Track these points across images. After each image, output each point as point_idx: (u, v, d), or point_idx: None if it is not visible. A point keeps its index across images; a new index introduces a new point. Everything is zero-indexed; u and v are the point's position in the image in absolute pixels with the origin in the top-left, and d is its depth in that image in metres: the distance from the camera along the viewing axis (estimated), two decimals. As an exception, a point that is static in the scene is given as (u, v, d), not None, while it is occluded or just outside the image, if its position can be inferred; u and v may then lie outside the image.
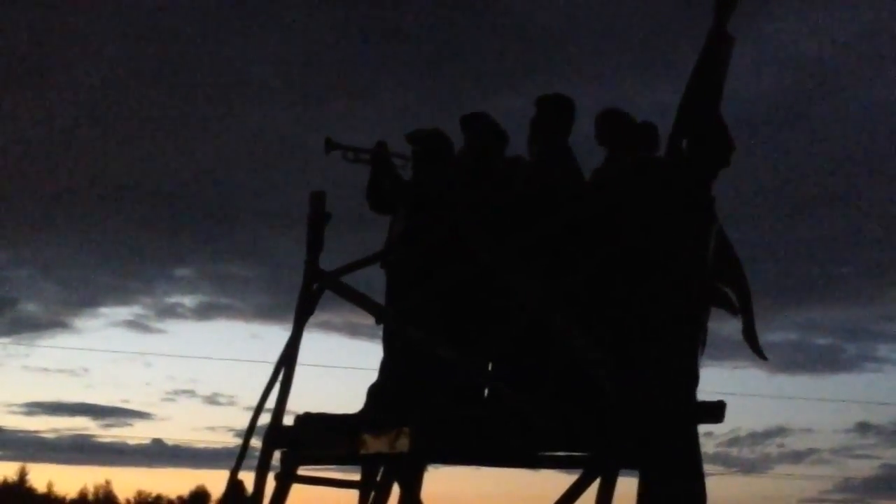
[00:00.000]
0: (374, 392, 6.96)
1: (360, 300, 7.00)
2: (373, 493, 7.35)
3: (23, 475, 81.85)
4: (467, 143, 7.06)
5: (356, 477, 7.45)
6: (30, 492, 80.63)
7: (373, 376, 7.09)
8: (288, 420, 7.05)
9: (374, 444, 6.45)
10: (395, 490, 7.34)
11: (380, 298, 7.11)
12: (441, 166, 7.05)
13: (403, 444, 6.27)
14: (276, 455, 6.97)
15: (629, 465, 5.79)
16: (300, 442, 6.90)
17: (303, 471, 6.99)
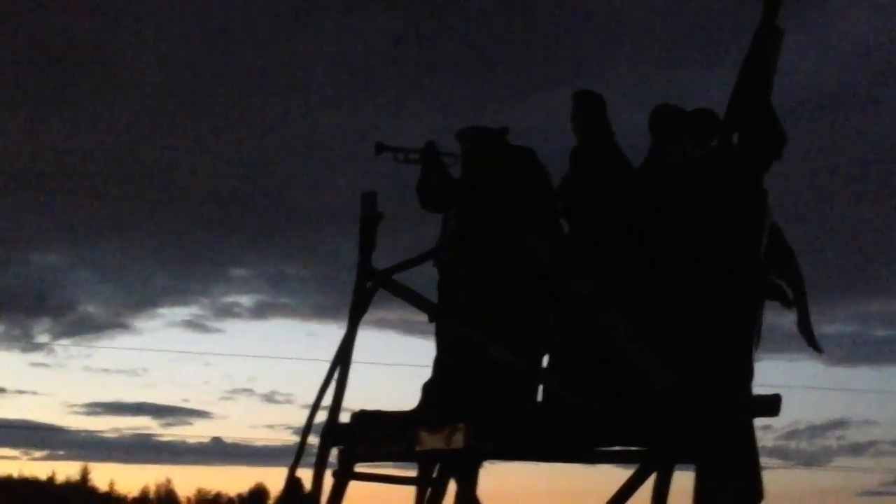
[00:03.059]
0: (428, 389, 6.99)
1: (413, 298, 7.04)
2: (429, 490, 7.39)
3: (85, 475, 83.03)
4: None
5: (413, 473, 7.49)
6: (92, 491, 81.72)
7: (427, 373, 7.13)
8: (344, 418, 7.11)
9: (430, 441, 6.48)
10: (452, 486, 7.37)
11: (433, 296, 7.15)
12: (490, 163, 7.07)
13: (459, 440, 6.30)
14: (334, 452, 7.04)
15: (685, 459, 5.78)
16: (356, 439, 6.96)
17: (360, 468, 7.04)
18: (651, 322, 5.88)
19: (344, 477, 6.95)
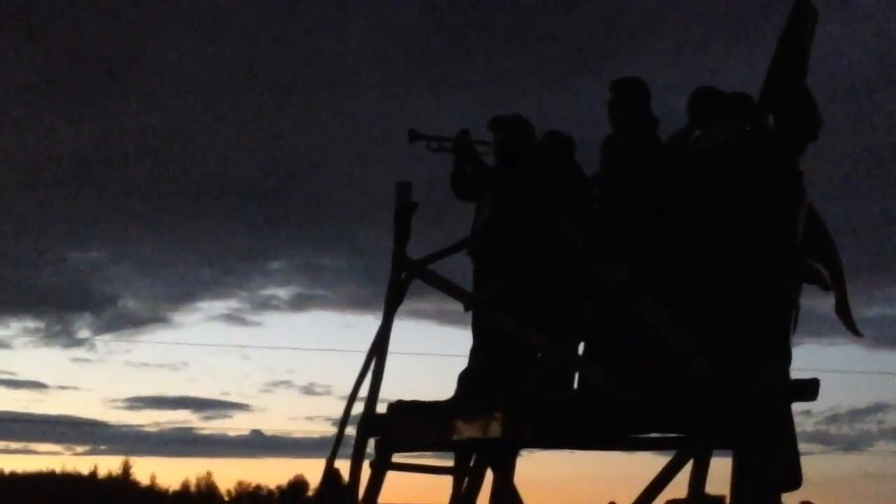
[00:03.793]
0: (465, 378, 6.99)
1: (448, 287, 7.04)
2: (466, 479, 7.39)
3: (127, 468, 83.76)
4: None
5: (450, 463, 7.49)
6: (134, 485, 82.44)
7: (464, 363, 7.12)
8: (381, 409, 7.12)
9: (467, 431, 6.48)
10: (489, 475, 7.36)
11: (468, 285, 7.14)
12: (523, 152, 7.06)
13: (496, 429, 6.29)
14: (371, 443, 7.05)
15: (723, 445, 5.74)
16: (393, 430, 6.96)
17: (397, 458, 7.05)
18: (686, 308, 5.84)
19: (381, 467, 6.96)
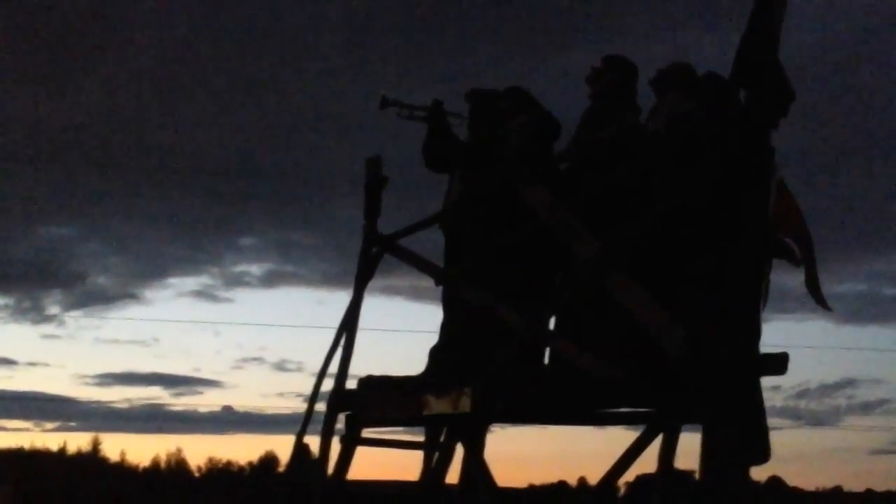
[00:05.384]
0: (435, 353, 6.97)
1: (419, 263, 7.01)
2: (436, 454, 7.38)
3: (96, 445, 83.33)
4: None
5: (420, 438, 7.48)
6: (103, 461, 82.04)
7: (435, 338, 7.10)
8: (351, 384, 7.10)
9: (437, 406, 6.46)
10: (459, 450, 7.35)
11: (441, 261, 7.11)
12: (497, 124, 7.02)
13: (466, 404, 6.28)
14: (341, 419, 7.03)
15: (692, 420, 5.76)
16: (363, 405, 6.94)
17: (367, 433, 7.03)
18: (656, 282, 5.85)
19: (351, 442, 6.94)
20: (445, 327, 7.00)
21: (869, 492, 64.84)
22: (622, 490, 45.86)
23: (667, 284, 5.86)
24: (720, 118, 5.78)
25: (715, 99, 6.11)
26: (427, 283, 7.11)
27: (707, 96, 6.11)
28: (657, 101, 6.47)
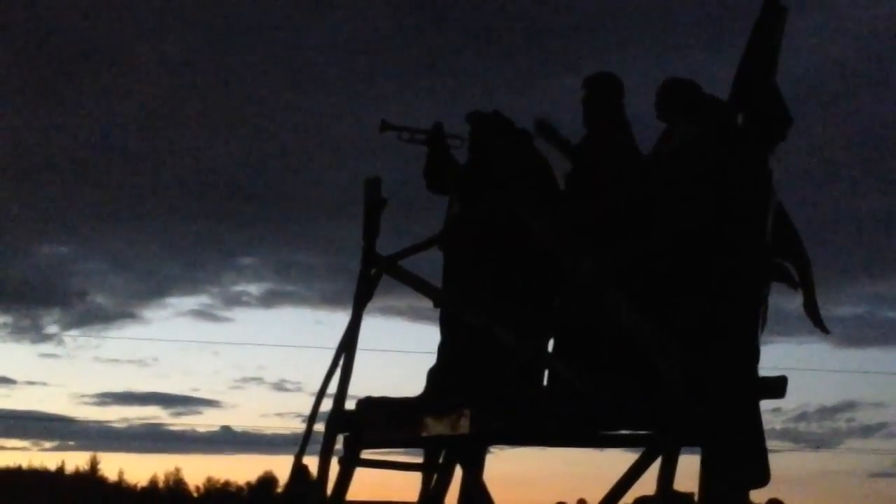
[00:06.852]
0: (433, 375, 6.97)
1: (418, 284, 7.01)
2: (435, 476, 7.37)
3: (94, 465, 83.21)
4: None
5: (419, 460, 7.48)
6: (101, 481, 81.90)
7: (434, 359, 7.10)
8: (350, 405, 7.10)
9: (436, 427, 6.46)
10: (458, 472, 7.35)
11: (440, 282, 7.12)
12: (497, 147, 7.03)
13: (464, 425, 6.28)
14: (340, 440, 7.02)
15: (691, 442, 5.76)
16: (362, 426, 6.94)
17: (366, 454, 7.03)
18: (655, 304, 5.85)
19: (350, 464, 6.93)
20: (443, 349, 7.01)
21: (868, 514, 64.63)
22: (621, 512, 45.73)
23: (666, 306, 5.86)
24: (720, 142, 5.80)
25: (715, 123, 6.13)
26: (425, 303, 7.12)
27: (708, 121, 6.12)
28: (668, 128, 6.42)
